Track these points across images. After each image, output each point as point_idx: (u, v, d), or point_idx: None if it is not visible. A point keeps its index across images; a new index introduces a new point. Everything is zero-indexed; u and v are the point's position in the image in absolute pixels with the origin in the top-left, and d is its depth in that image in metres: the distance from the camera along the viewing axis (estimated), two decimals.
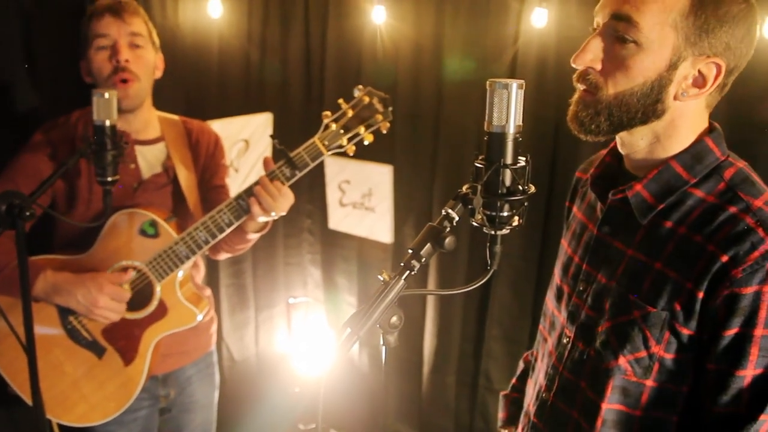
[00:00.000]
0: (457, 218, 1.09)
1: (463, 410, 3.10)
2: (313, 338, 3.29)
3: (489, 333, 2.93)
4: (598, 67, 1.17)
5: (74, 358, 1.94)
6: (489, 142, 1.07)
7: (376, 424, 3.21)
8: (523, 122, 1.06)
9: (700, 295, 1.12)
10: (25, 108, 2.37)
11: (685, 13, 1.10)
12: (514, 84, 1.02)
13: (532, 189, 1.09)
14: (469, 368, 3.04)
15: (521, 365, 1.75)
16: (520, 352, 2.92)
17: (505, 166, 1.06)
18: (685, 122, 1.20)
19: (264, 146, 2.97)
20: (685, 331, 1.15)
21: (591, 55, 1.17)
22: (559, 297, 1.44)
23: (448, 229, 1.09)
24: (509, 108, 1.03)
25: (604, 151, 1.46)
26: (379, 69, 2.82)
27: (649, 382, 1.21)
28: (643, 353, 1.20)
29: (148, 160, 2.06)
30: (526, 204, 1.09)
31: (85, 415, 1.95)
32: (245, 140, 2.90)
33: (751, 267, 1.08)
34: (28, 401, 1.88)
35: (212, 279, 2.97)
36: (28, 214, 1.50)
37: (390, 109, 1.94)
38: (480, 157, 1.09)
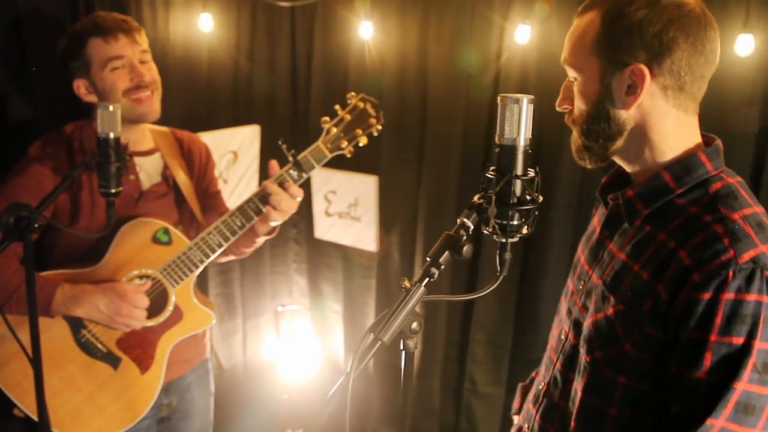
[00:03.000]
0: (472, 227, 1.14)
1: (448, 413, 3.18)
2: (299, 345, 3.34)
3: (473, 337, 3.02)
4: (570, 106, 1.34)
5: (89, 372, 1.95)
6: (500, 154, 1.12)
7: (364, 428, 3.27)
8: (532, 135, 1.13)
9: (666, 297, 1.17)
10: (21, 121, 2.39)
11: (598, 39, 1.25)
12: (525, 99, 1.09)
13: (541, 199, 1.15)
14: (454, 372, 3.13)
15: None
16: (503, 356, 3.04)
17: (516, 176, 1.12)
18: (653, 128, 1.27)
19: (252, 157, 3.02)
20: (652, 332, 1.21)
21: (561, 97, 1.36)
22: (565, 294, 1.54)
23: (464, 238, 1.13)
24: (520, 122, 1.09)
25: None
26: (364, 82, 2.90)
27: (622, 380, 1.26)
28: (614, 350, 1.26)
29: (147, 170, 2.10)
30: (536, 213, 1.15)
31: (101, 428, 1.96)
32: (234, 152, 2.95)
33: (710, 273, 1.12)
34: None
35: (201, 288, 2.99)
36: (36, 225, 1.51)
37: (381, 113, 2.07)
38: (491, 168, 1.14)
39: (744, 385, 1.11)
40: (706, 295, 1.12)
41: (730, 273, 1.11)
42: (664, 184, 1.27)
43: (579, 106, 1.31)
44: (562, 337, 1.47)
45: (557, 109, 1.37)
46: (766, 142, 2.42)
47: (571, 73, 1.31)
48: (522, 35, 2.59)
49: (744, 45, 2.29)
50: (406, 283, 1.14)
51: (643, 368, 1.24)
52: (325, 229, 3.21)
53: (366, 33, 2.79)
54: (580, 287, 1.43)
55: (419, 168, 2.98)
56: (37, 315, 1.52)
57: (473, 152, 2.87)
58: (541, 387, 1.51)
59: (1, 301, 1.83)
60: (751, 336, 1.11)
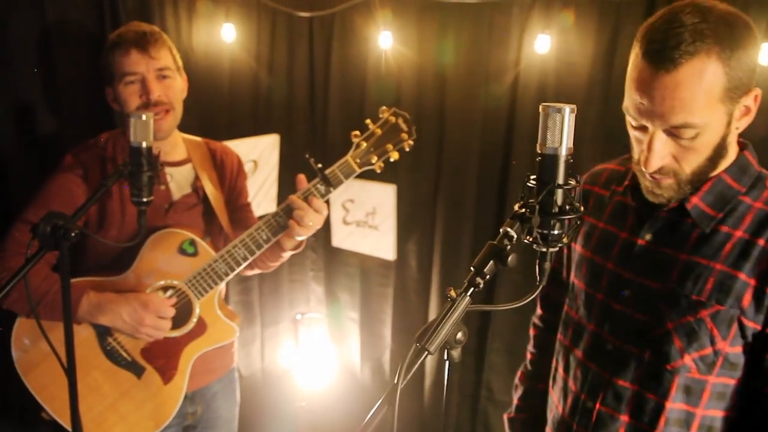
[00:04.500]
0: (515, 236, 1.13)
1: (464, 421, 3.20)
2: (317, 353, 3.35)
3: (490, 346, 3.03)
4: (669, 161, 1.29)
5: (113, 379, 1.96)
6: (542, 163, 1.11)
7: None
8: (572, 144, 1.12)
9: (765, 288, 1.24)
10: (50, 131, 2.41)
11: (724, 84, 1.20)
12: (567, 108, 1.09)
13: (582, 208, 1.15)
14: (471, 380, 3.14)
15: (520, 386, 1.82)
16: (520, 364, 3.04)
17: (558, 186, 1.11)
18: (732, 140, 1.32)
19: (271, 166, 3.04)
20: (752, 325, 1.27)
21: (660, 158, 1.28)
22: (588, 305, 1.49)
23: (509, 247, 1.12)
24: (562, 131, 1.09)
25: (609, 165, 1.58)
26: (382, 92, 2.92)
27: (712, 378, 1.31)
28: (708, 350, 1.30)
29: (178, 181, 2.11)
30: (578, 222, 1.15)
31: None
32: (254, 161, 2.97)
33: None
34: (66, 426, 1.90)
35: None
36: (72, 235, 1.51)
37: (413, 127, 2.05)
38: (531, 177, 1.13)
39: None
40: None
41: None
42: (727, 186, 1.32)
43: (697, 156, 1.28)
44: (608, 348, 1.44)
45: (645, 169, 1.31)
46: None
47: (689, 133, 1.24)
48: (542, 45, 2.61)
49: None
50: (453, 293, 1.14)
51: (733, 362, 1.30)
52: (342, 237, 3.22)
53: (385, 43, 2.82)
54: (628, 295, 1.41)
55: (437, 177, 3.00)
56: (72, 325, 1.54)
57: (491, 161, 2.88)
58: (589, 405, 1.46)
59: (33, 308, 1.84)
60: None
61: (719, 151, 1.29)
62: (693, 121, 1.21)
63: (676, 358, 1.33)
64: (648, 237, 1.40)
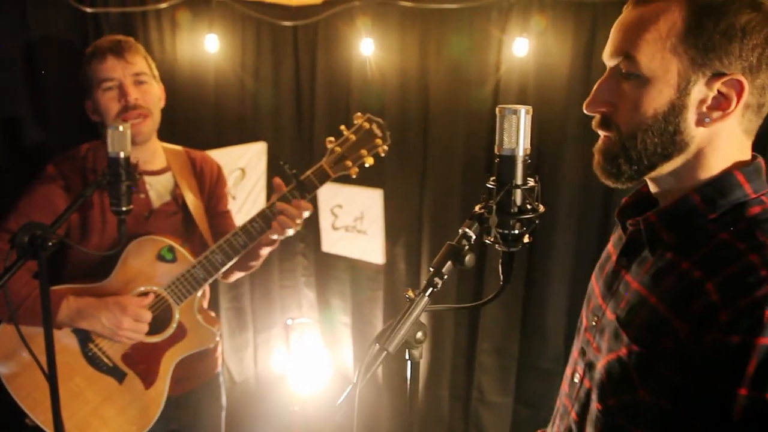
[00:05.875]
0: (474, 237, 1.12)
1: (456, 422, 3.22)
2: (309, 358, 3.38)
3: (480, 347, 3.06)
4: (609, 108, 1.14)
5: (95, 385, 2.00)
6: (500, 165, 1.10)
7: None
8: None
9: (687, 337, 1.00)
10: (35, 142, 2.46)
11: (682, 36, 1.05)
12: (523, 109, 1.08)
13: (542, 208, 1.12)
14: (462, 382, 3.16)
15: None
16: (511, 365, 3.08)
17: (516, 186, 1.10)
18: (715, 150, 1.10)
19: (259, 173, 3.08)
20: (670, 375, 1.03)
21: (600, 98, 1.15)
22: (579, 331, 1.38)
23: (467, 248, 1.12)
24: (518, 132, 1.07)
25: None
26: (367, 98, 2.96)
27: (636, 430, 1.10)
28: (628, 396, 1.10)
29: (157, 189, 2.16)
30: (536, 222, 1.13)
31: None
32: (242, 168, 3.01)
33: (741, 312, 0.94)
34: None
35: (212, 303, 3.05)
36: (50, 244, 1.54)
37: (388, 133, 2.08)
38: (491, 179, 1.11)
39: None
40: (736, 339, 0.94)
41: (767, 313, 0.92)
42: (692, 207, 1.10)
43: (635, 112, 1.10)
44: (576, 380, 1.30)
45: (586, 111, 1.18)
46: None
47: (630, 69, 1.09)
48: (520, 48, 2.64)
49: None
50: (410, 293, 1.14)
51: (660, 418, 1.06)
52: (332, 242, 3.26)
53: (367, 50, 2.85)
54: (594, 323, 1.26)
55: (423, 180, 3.03)
56: (52, 331, 1.56)
57: (475, 163, 2.91)
58: None
59: (13, 314, 1.87)
60: None
61: (669, 129, 1.08)
62: (633, 51, 1.08)
63: (602, 399, 1.17)
64: (623, 261, 1.24)
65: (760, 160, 1.13)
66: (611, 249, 1.34)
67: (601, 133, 1.18)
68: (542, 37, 2.66)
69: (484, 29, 2.76)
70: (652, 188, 1.21)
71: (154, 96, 2.10)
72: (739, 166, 1.11)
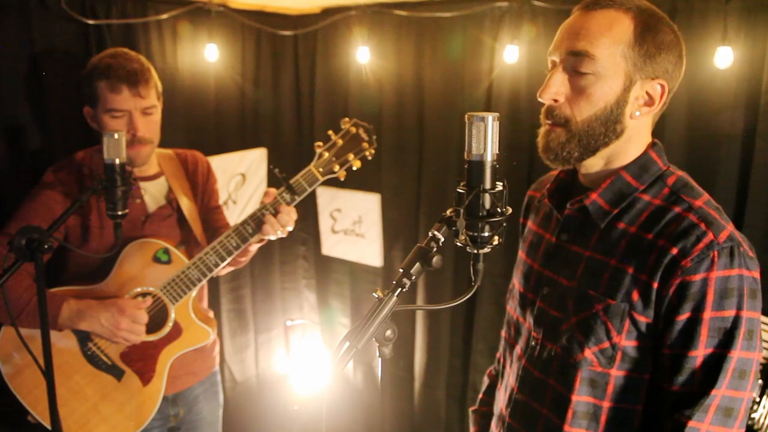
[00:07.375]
0: (443, 239, 1.19)
1: (453, 422, 3.27)
2: (309, 358, 3.46)
3: (475, 347, 3.11)
4: (563, 99, 1.32)
5: (95, 383, 2.08)
6: (469, 170, 1.16)
7: None
8: (499, 150, 1.17)
9: (655, 285, 1.26)
10: (37, 151, 2.54)
11: (631, 44, 1.28)
12: (490, 117, 1.12)
13: (509, 211, 1.17)
14: (458, 382, 3.21)
15: (486, 381, 1.87)
16: None
17: (485, 190, 1.16)
18: (636, 138, 1.36)
19: (260, 179, 3.16)
20: (643, 319, 1.29)
21: (555, 89, 1.32)
22: (523, 304, 1.55)
23: (435, 249, 1.19)
24: (486, 138, 1.13)
25: (554, 171, 1.60)
26: (364, 104, 3.03)
27: (614, 372, 1.33)
28: (606, 344, 1.32)
29: (152, 194, 2.23)
30: (504, 225, 1.19)
31: None
32: (242, 174, 3.09)
33: (698, 257, 1.22)
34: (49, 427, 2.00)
35: (214, 304, 3.13)
36: (46, 247, 1.60)
37: (374, 137, 2.15)
38: (462, 183, 1.17)
39: (738, 353, 1.22)
40: (697, 277, 1.22)
41: (715, 253, 1.22)
42: (626, 183, 1.36)
43: (588, 104, 1.31)
44: (532, 344, 1.49)
45: (540, 98, 1.34)
46: (748, 148, 2.49)
47: (588, 67, 1.29)
48: (511, 55, 2.70)
49: (723, 57, 2.37)
50: (379, 293, 1.20)
51: (634, 357, 1.32)
52: (331, 246, 3.33)
53: (364, 57, 2.93)
54: (545, 293, 1.47)
55: (419, 184, 3.10)
56: (49, 331, 1.63)
57: None
58: (517, 397, 1.51)
59: (12, 316, 1.94)
60: (739, 307, 1.22)
61: (612, 119, 1.31)
62: (592, 51, 1.27)
63: (577, 352, 1.36)
64: (564, 237, 1.45)
65: (658, 141, 1.42)
66: (539, 230, 1.56)
67: (549, 122, 1.36)
68: (533, 45, 2.71)
69: (476, 37, 2.82)
70: (583, 170, 1.42)
71: (157, 124, 2.14)
72: (650, 146, 1.40)
